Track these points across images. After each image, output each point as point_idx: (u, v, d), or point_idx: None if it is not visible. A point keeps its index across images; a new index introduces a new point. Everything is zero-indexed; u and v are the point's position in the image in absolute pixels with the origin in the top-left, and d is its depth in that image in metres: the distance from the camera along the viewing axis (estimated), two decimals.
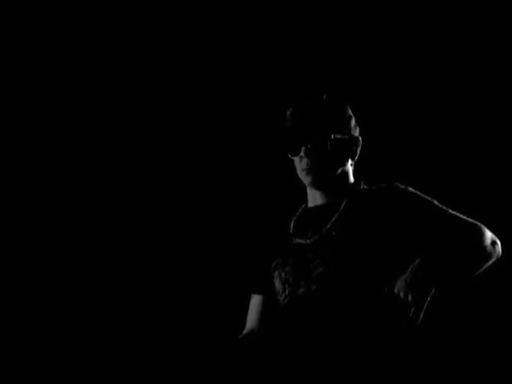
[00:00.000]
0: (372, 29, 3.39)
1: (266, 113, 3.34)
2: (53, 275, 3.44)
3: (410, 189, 2.16)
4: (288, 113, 2.22)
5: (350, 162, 2.25)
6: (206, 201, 3.47)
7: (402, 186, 2.17)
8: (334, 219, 2.15)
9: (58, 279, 3.44)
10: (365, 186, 2.25)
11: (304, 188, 2.27)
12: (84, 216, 3.50)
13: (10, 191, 3.47)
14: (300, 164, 2.19)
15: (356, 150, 2.25)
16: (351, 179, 2.26)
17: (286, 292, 2.15)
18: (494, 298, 3.23)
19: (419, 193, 2.15)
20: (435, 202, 2.13)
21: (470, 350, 3.16)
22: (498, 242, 2.08)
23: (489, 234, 2.06)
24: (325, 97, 2.22)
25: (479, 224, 2.08)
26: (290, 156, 2.21)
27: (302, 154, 2.17)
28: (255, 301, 2.29)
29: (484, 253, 2.03)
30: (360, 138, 2.25)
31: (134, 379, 3.26)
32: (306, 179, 2.20)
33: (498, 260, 2.08)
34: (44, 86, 3.51)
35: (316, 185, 2.21)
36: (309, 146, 2.16)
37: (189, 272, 3.41)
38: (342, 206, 2.17)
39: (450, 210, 2.11)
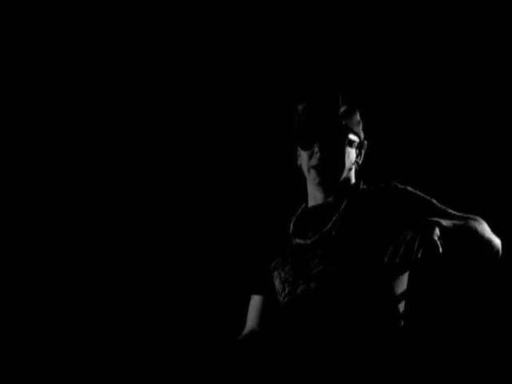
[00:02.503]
0: (372, 30, 3.40)
1: (266, 114, 3.35)
2: (53, 275, 3.44)
3: (409, 188, 2.17)
4: (300, 107, 2.21)
5: (356, 165, 2.26)
6: (205, 202, 3.47)
7: (401, 186, 2.18)
8: (334, 219, 2.16)
9: (58, 279, 3.44)
10: (364, 186, 2.26)
11: (304, 187, 2.27)
12: (84, 216, 3.50)
13: (10, 191, 3.47)
14: (310, 160, 2.18)
15: (363, 153, 2.26)
16: (353, 181, 2.27)
17: (286, 291, 2.16)
18: (494, 297, 3.23)
19: (418, 192, 2.16)
20: (434, 201, 2.14)
21: (468, 351, 3.16)
22: (498, 239, 2.08)
23: (489, 229, 2.06)
24: (340, 98, 2.21)
25: (480, 219, 2.08)
26: (300, 149, 2.21)
27: (315, 149, 2.17)
28: (255, 301, 2.29)
29: (485, 238, 2.02)
30: (366, 142, 2.27)
31: (134, 379, 3.27)
32: (315, 178, 2.19)
33: (497, 258, 2.07)
34: (44, 86, 3.51)
35: (324, 185, 2.20)
36: (325, 141, 2.16)
37: (189, 273, 3.41)
38: (343, 206, 2.17)
39: (449, 209, 2.11)
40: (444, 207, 2.12)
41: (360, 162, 2.27)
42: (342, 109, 2.19)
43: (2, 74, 3.48)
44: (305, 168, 2.21)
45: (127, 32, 3.50)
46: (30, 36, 3.47)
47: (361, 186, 2.26)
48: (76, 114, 3.53)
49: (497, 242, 2.07)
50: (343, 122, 2.18)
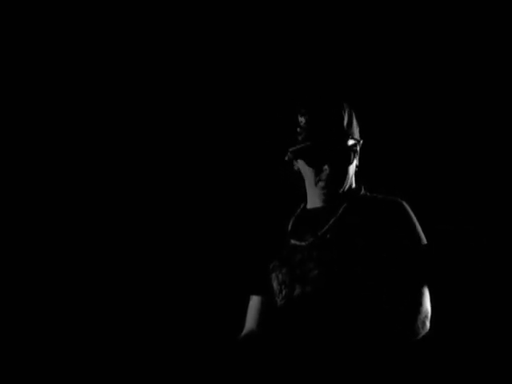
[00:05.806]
0: (371, 31, 3.40)
1: (264, 114, 3.35)
2: (53, 275, 3.45)
3: (411, 214, 2.17)
4: (302, 119, 2.19)
5: (356, 167, 2.26)
6: (204, 203, 3.47)
7: (404, 207, 2.18)
8: (330, 223, 2.17)
9: (58, 279, 3.45)
10: (367, 193, 2.26)
11: (302, 188, 2.28)
12: (83, 217, 3.51)
13: (10, 191, 3.48)
14: (318, 174, 2.18)
15: (358, 152, 2.26)
16: (353, 182, 2.27)
17: (283, 293, 2.17)
18: (494, 298, 3.23)
19: (415, 222, 2.17)
20: (418, 235, 2.14)
21: (468, 352, 3.17)
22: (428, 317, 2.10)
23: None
24: (343, 106, 2.21)
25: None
26: (308, 166, 2.20)
27: (325, 167, 2.16)
28: (254, 302, 2.31)
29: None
30: (361, 141, 2.26)
31: (134, 379, 3.28)
32: (322, 189, 2.20)
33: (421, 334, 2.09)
34: (44, 86, 3.52)
35: (329, 194, 2.20)
36: (335, 160, 2.16)
37: (188, 274, 3.42)
38: (341, 211, 2.18)
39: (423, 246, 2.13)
40: (421, 246, 2.13)
41: (357, 163, 2.27)
42: (346, 119, 2.19)
43: (2, 74, 3.49)
44: (310, 179, 2.21)
45: (127, 32, 3.51)
46: (29, 36, 3.48)
47: (362, 192, 2.27)
48: (76, 113, 3.54)
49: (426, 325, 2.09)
50: (349, 135, 2.18)
